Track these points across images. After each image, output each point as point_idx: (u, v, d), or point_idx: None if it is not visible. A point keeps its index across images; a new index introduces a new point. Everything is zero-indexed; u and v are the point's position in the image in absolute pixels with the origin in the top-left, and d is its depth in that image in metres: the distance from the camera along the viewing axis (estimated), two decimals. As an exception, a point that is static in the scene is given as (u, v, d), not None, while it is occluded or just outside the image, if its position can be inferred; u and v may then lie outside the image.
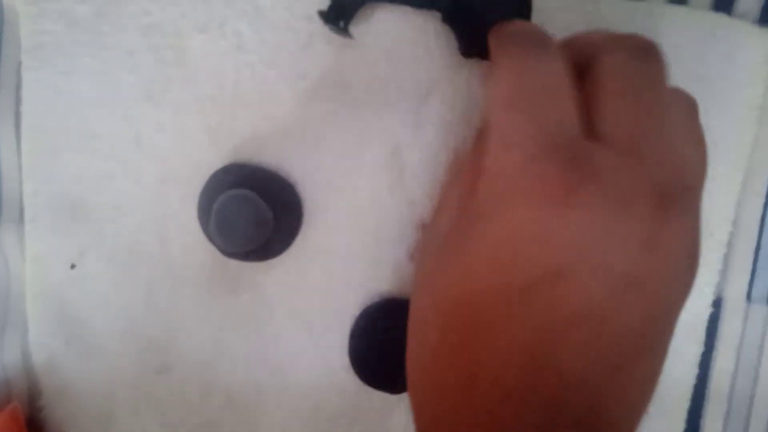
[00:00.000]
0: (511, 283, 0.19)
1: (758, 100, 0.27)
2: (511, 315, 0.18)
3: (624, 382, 0.18)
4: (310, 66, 0.26)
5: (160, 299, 0.27)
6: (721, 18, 0.27)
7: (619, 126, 0.19)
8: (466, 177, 0.22)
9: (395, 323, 0.27)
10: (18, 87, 0.27)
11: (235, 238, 0.24)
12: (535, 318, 0.18)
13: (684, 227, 0.19)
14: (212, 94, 0.26)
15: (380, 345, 0.27)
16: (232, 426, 0.28)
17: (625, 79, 0.20)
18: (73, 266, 0.27)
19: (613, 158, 0.18)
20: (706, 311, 0.29)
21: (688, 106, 0.22)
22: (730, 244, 0.28)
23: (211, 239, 0.26)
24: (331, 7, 0.25)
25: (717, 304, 0.29)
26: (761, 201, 0.28)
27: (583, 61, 0.21)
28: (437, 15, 0.25)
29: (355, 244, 0.27)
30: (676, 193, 0.19)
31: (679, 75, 0.27)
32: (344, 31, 0.25)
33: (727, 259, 0.29)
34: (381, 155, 0.27)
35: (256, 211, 0.25)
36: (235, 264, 0.27)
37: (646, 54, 0.21)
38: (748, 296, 0.29)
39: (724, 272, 0.29)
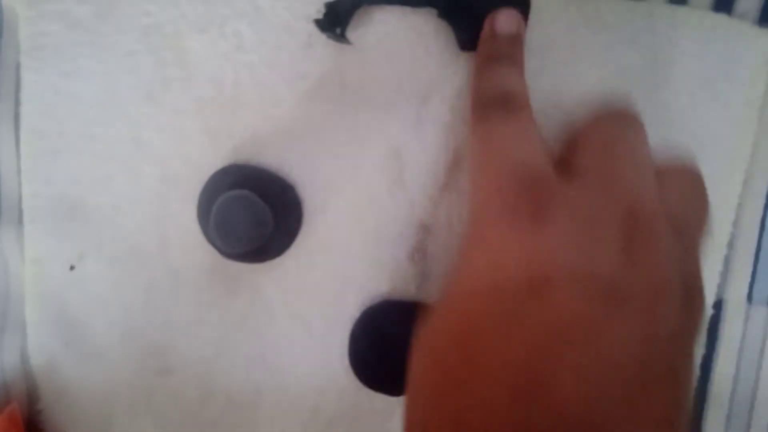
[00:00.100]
0: (496, 301, 0.18)
1: (758, 100, 0.27)
2: (499, 335, 0.18)
3: (635, 421, 0.17)
4: (310, 66, 0.26)
5: (159, 301, 0.27)
6: (721, 18, 0.27)
7: (591, 161, 0.21)
8: None
9: (395, 324, 0.26)
10: (17, 88, 0.27)
11: (235, 239, 0.24)
12: (524, 334, 0.18)
13: (660, 249, 0.19)
14: (212, 94, 0.26)
15: (380, 346, 0.27)
16: (231, 428, 0.28)
17: (604, 130, 0.22)
18: (72, 267, 0.27)
19: (583, 190, 0.20)
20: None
21: (691, 174, 0.23)
22: (730, 246, 0.28)
23: (210, 240, 0.26)
24: (326, 15, 0.25)
25: (717, 306, 0.29)
26: (762, 202, 0.28)
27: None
28: (434, 13, 0.25)
29: (354, 245, 0.27)
30: (645, 216, 0.19)
31: (679, 76, 0.27)
32: (341, 38, 0.25)
33: (727, 260, 0.28)
34: (381, 156, 0.27)
35: (255, 212, 0.25)
36: (234, 265, 0.27)
37: (623, 117, 0.22)
38: (749, 298, 0.29)
39: (724, 274, 0.29)
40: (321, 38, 0.26)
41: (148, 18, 0.26)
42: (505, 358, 0.18)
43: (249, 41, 0.26)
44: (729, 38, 0.27)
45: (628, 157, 0.21)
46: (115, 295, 0.27)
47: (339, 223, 0.27)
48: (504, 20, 0.24)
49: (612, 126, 0.22)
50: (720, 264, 0.28)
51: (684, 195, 0.22)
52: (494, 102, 0.22)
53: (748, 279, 0.29)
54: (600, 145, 0.21)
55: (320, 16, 0.26)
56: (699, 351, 0.29)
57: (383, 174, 0.27)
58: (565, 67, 0.26)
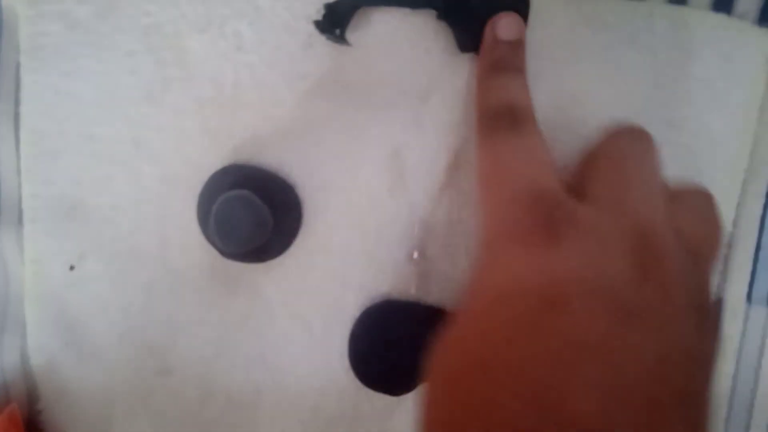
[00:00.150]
0: (513, 316, 0.18)
1: (758, 100, 0.27)
2: (517, 348, 0.18)
3: None
4: (310, 66, 0.26)
5: (159, 301, 0.27)
6: (720, 18, 0.27)
7: (603, 186, 0.21)
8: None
9: (395, 324, 0.27)
10: (17, 89, 0.27)
11: (235, 239, 0.24)
12: (542, 348, 0.18)
13: (671, 267, 0.19)
14: (212, 94, 0.26)
15: (380, 346, 0.27)
16: (231, 428, 0.28)
17: (616, 148, 0.22)
18: (72, 268, 0.27)
19: (594, 210, 0.20)
20: (706, 312, 0.29)
21: (704, 196, 0.23)
22: (730, 245, 0.28)
23: (210, 240, 0.26)
24: (326, 16, 0.25)
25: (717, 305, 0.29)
26: (761, 201, 0.28)
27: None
28: (434, 14, 0.25)
29: (354, 245, 0.27)
30: (656, 235, 0.19)
31: (679, 75, 0.27)
32: (341, 39, 0.25)
33: (727, 260, 0.28)
34: (381, 156, 0.27)
35: (255, 212, 0.25)
36: (234, 265, 0.27)
37: (635, 135, 0.22)
38: (749, 297, 0.29)
39: (724, 273, 0.29)
40: (321, 38, 0.26)
41: (148, 18, 0.26)
42: (523, 370, 0.18)
43: (249, 41, 0.26)
44: (729, 38, 0.27)
45: (639, 175, 0.21)
46: (114, 295, 0.27)
47: (339, 223, 0.27)
48: (505, 26, 0.24)
49: (623, 144, 0.22)
50: (719, 263, 0.28)
51: (696, 216, 0.22)
52: (500, 116, 0.23)
53: (748, 278, 0.29)
54: (611, 163, 0.21)
55: (320, 17, 0.26)
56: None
57: (383, 174, 0.27)
58: (565, 67, 0.26)
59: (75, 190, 0.27)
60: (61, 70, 0.26)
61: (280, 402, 0.28)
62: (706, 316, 0.20)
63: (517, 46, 0.24)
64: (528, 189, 0.20)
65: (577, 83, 0.26)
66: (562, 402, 0.17)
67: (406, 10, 0.26)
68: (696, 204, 0.22)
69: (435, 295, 0.27)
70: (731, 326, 0.29)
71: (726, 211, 0.28)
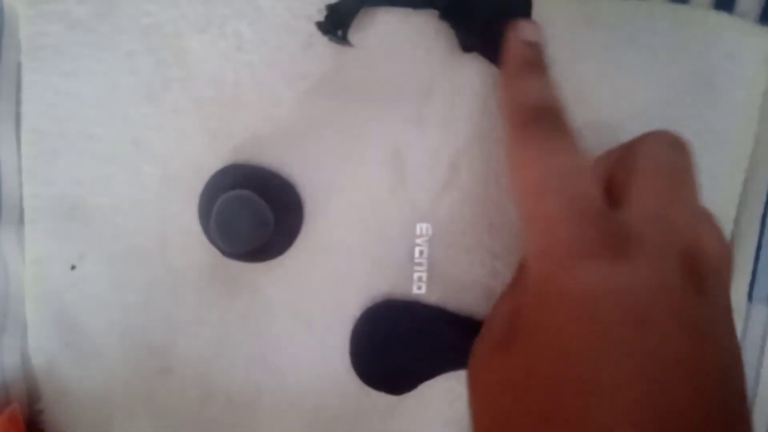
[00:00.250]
0: (597, 334, 0.18)
1: (759, 99, 0.27)
2: (608, 367, 0.18)
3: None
4: (310, 66, 0.26)
5: (159, 301, 0.27)
6: (722, 17, 0.27)
7: (650, 199, 0.21)
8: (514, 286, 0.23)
9: (396, 324, 0.27)
10: (18, 89, 0.27)
11: (236, 239, 0.24)
12: (636, 367, 0.18)
13: (721, 283, 0.20)
14: (212, 94, 0.26)
15: (381, 346, 0.27)
16: (231, 428, 0.28)
17: (662, 163, 0.21)
18: (73, 267, 0.27)
19: (641, 224, 0.20)
20: (707, 312, 0.29)
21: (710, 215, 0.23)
22: (731, 244, 0.28)
23: (211, 240, 0.26)
24: (328, 17, 0.25)
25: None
26: (762, 201, 0.28)
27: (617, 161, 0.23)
28: (436, 14, 0.25)
29: (356, 245, 0.27)
30: (703, 258, 0.20)
31: (681, 74, 0.27)
32: (343, 40, 0.25)
33: (728, 259, 0.28)
34: (382, 155, 0.27)
35: (256, 211, 0.25)
36: (235, 265, 0.27)
37: (677, 146, 0.22)
38: (749, 296, 0.29)
39: (725, 273, 0.29)
40: (321, 38, 0.26)
41: (148, 18, 0.26)
42: (620, 389, 0.18)
43: (249, 41, 0.26)
44: (730, 37, 0.27)
45: (684, 191, 0.21)
46: (115, 295, 0.27)
47: (340, 223, 0.27)
48: (530, 29, 0.24)
49: (667, 155, 0.22)
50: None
51: (715, 234, 0.22)
52: (539, 116, 0.22)
53: (749, 278, 0.29)
54: (656, 176, 0.21)
55: (321, 17, 0.26)
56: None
57: (384, 173, 0.27)
58: (565, 67, 0.26)
59: (75, 190, 0.27)
60: (61, 70, 0.26)
61: (281, 402, 0.28)
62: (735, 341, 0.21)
63: (541, 48, 0.24)
64: (585, 199, 0.20)
65: (577, 83, 0.26)
66: (673, 421, 0.17)
67: (408, 11, 0.26)
68: (711, 223, 0.22)
69: (436, 294, 0.27)
70: (732, 325, 0.29)
71: (727, 210, 0.28)
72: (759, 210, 0.28)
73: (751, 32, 0.27)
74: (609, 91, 0.26)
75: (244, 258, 0.26)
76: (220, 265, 0.27)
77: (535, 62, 0.24)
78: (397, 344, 0.26)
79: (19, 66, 0.26)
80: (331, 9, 0.25)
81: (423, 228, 0.27)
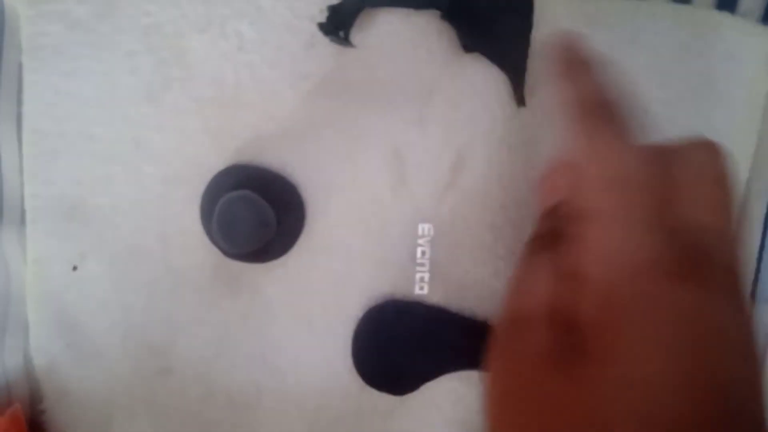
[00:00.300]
0: (687, 357, 0.18)
1: (761, 99, 0.27)
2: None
3: None
4: (312, 67, 0.26)
5: (160, 301, 0.27)
6: (724, 17, 0.27)
7: (708, 211, 0.20)
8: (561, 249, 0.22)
9: (398, 324, 0.27)
10: (19, 89, 0.26)
11: (238, 240, 0.24)
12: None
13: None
14: (213, 95, 0.26)
15: (383, 346, 0.27)
16: (232, 427, 0.28)
17: (708, 170, 0.21)
18: (75, 268, 0.27)
19: (705, 238, 0.20)
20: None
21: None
22: (733, 244, 0.28)
23: (213, 241, 0.26)
24: (329, 18, 0.25)
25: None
26: (765, 201, 0.28)
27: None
28: (437, 14, 0.25)
29: (357, 245, 0.27)
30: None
31: (683, 74, 0.27)
32: (345, 41, 0.25)
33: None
34: (383, 156, 0.27)
35: (258, 212, 0.24)
36: (236, 265, 0.27)
37: (718, 151, 0.22)
38: (752, 297, 0.29)
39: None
40: (323, 38, 0.26)
41: (148, 18, 0.26)
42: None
43: (250, 41, 0.26)
44: (732, 37, 0.27)
45: (732, 200, 0.21)
46: (115, 295, 0.27)
47: (341, 223, 0.27)
48: (571, 33, 0.23)
49: (721, 166, 0.21)
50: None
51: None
52: (602, 110, 0.21)
53: (752, 278, 0.29)
54: (716, 187, 0.21)
55: (322, 18, 0.25)
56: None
57: (386, 174, 0.27)
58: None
59: (75, 190, 0.27)
60: (62, 70, 0.26)
61: (282, 402, 0.28)
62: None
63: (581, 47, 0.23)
64: (653, 214, 0.20)
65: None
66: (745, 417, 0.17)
67: (410, 11, 0.26)
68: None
69: (438, 294, 0.27)
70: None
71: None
72: (762, 210, 0.28)
73: (753, 32, 0.27)
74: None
75: (246, 258, 0.26)
76: (221, 265, 0.27)
77: (588, 60, 0.23)
78: (399, 345, 0.26)
79: (20, 66, 0.26)
80: (332, 9, 0.25)
81: (425, 228, 0.27)
